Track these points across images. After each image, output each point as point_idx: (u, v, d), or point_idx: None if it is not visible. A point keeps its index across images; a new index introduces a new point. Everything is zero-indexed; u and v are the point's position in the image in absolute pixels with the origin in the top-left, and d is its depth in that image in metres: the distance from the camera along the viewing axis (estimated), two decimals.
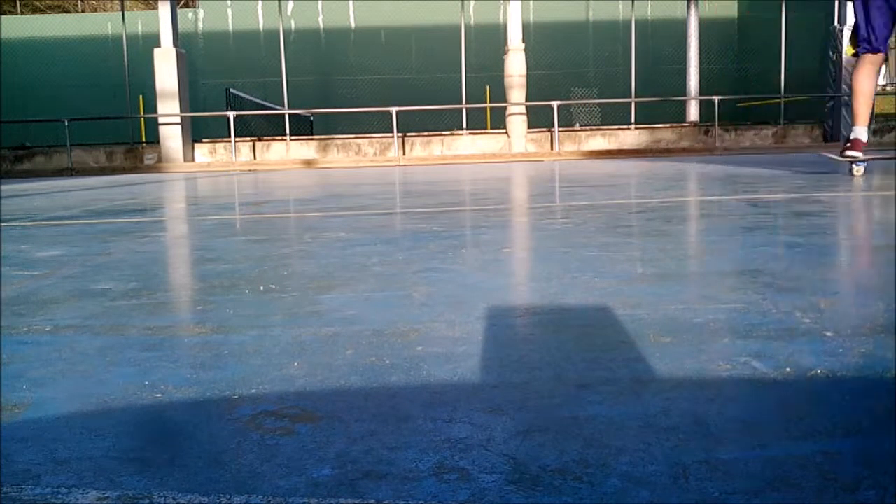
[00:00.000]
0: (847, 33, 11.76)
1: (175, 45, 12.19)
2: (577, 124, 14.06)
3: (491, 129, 13.61)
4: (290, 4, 15.65)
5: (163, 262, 1.75)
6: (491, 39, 14.59)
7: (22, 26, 15.91)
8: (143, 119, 13.59)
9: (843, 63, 11.76)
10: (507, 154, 11.87)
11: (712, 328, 0.96)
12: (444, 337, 0.97)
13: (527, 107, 12.32)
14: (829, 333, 0.93)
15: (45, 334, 1.06)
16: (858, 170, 4.23)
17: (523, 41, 12.27)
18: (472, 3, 15.47)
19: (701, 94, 13.40)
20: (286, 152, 12.90)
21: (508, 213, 2.78)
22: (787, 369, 0.79)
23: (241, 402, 0.74)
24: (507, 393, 0.74)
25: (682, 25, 13.66)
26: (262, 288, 1.35)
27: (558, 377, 0.79)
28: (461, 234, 2.12)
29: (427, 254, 1.71)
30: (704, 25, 13.75)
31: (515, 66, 12.06)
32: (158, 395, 0.78)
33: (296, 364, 0.87)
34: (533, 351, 0.89)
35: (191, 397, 0.77)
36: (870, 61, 4.23)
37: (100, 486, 0.57)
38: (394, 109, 12.13)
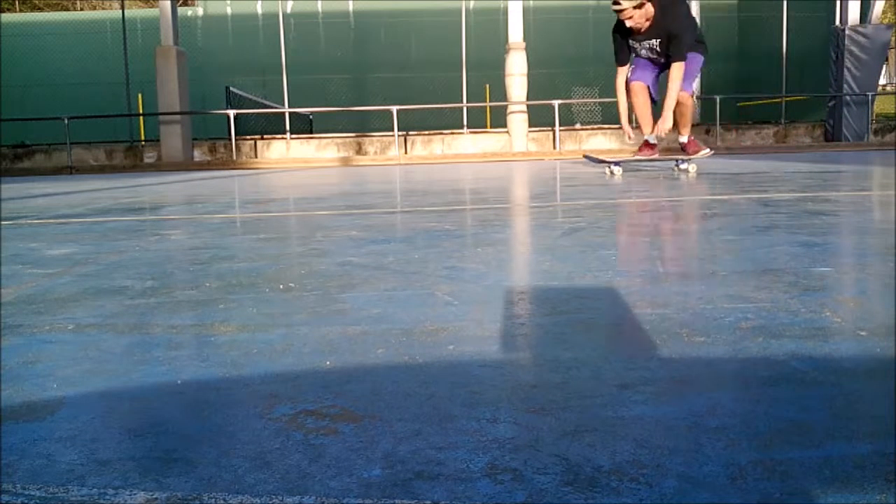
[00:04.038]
0: (849, 33, 11.78)
1: (175, 43, 12.16)
2: (578, 123, 14.05)
3: (491, 127, 13.61)
4: (290, 3, 15.63)
5: (177, 261, 1.74)
6: (491, 37, 14.58)
7: (21, 24, 15.87)
8: (142, 117, 13.56)
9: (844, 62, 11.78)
10: (507, 153, 11.87)
11: (744, 328, 0.96)
12: (474, 336, 0.96)
13: (527, 106, 12.31)
14: (863, 333, 0.92)
15: (69, 333, 1.05)
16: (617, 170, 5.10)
17: (524, 39, 12.26)
18: (472, 2, 15.45)
19: (702, 93, 13.40)
20: (286, 151, 12.88)
21: (519, 212, 2.77)
22: (827, 369, 0.79)
23: (278, 402, 0.73)
24: (548, 393, 0.74)
25: None
26: (281, 286, 1.34)
27: (597, 377, 0.78)
28: (474, 232, 2.12)
29: (443, 252, 1.70)
30: (706, 25, 13.74)
31: (516, 64, 12.05)
32: (193, 395, 0.77)
33: (328, 363, 0.86)
34: (566, 350, 0.88)
35: (227, 397, 0.76)
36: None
37: (147, 487, 0.56)
38: (394, 108, 12.11)
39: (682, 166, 5.36)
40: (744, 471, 0.55)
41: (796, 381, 0.75)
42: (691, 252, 1.70)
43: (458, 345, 0.92)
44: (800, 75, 13.56)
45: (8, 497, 0.55)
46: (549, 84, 14.37)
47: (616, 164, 5.26)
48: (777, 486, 0.53)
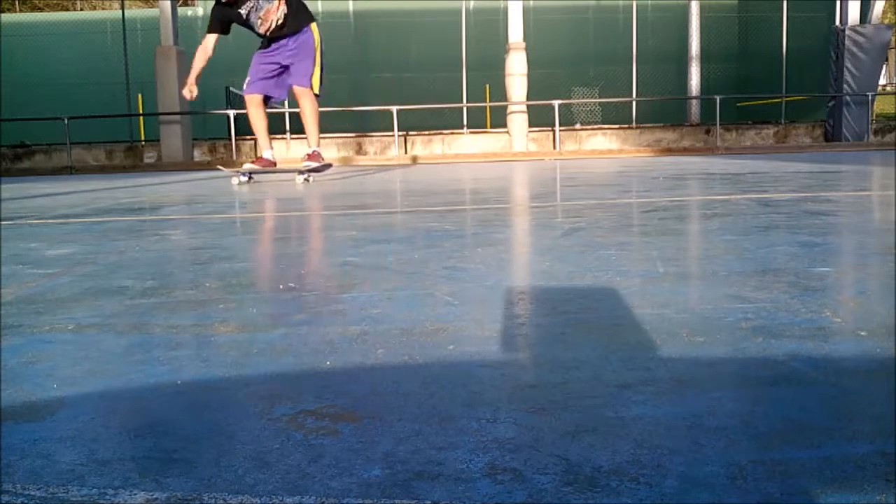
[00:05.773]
0: (849, 33, 11.78)
1: (175, 43, 12.16)
2: (578, 124, 14.05)
3: (491, 128, 13.60)
4: None
5: (177, 261, 1.74)
6: (491, 37, 14.57)
7: (21, 24, 15.87)
8: (142, 117, 13.55)
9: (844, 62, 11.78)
10: (508, 153, 11.87)
11: (744, 328, 0.96)
12: (474, 336, 0.96)
13: (528, 106, 12.31)
14: (863, 333, 0.92)
15: (69, 333, 1.05)
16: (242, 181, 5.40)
17: (524, 39, 12.27)
18: (472, 2, 15.45)
19: (702, 93, 13.41)
20: (286, 151, 12.87)
21: (518, 212, 2.77)
22: (827, 369, 0.79)
23: (278, 402, 0.73)
24: (548, 393, 0.74)
25: (684, 25, 13.66)
26: (281, 286, 1.34)
27: (597, 377, 0.78)
28: (474, 232, 2.12)
29: (443, 252, 1.70)
30: (706, 25, 13.76)
31: (516, 64, 12.05)
32: (193, 395, 0.77)
33: (328, 363, 0.86)
34: (566, 350, 0.88)
35: (227, 397, 0.76)
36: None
37: (147, 487, 0.56)
38: (395, 108, 12.11)
39: (301, 177, 5.42)
40: (744, 471, 0.55)
41: (796, 381, 0.75)
42: (691, 252, 1.70)
43: (458, 345, 0.92)
44: (800, 75, 13.56)
45: (8, 497, 0.55)
46: (549, 84, 14.35)
47: (245, 175, 5.48)
48: (777, 486, 0.53)
